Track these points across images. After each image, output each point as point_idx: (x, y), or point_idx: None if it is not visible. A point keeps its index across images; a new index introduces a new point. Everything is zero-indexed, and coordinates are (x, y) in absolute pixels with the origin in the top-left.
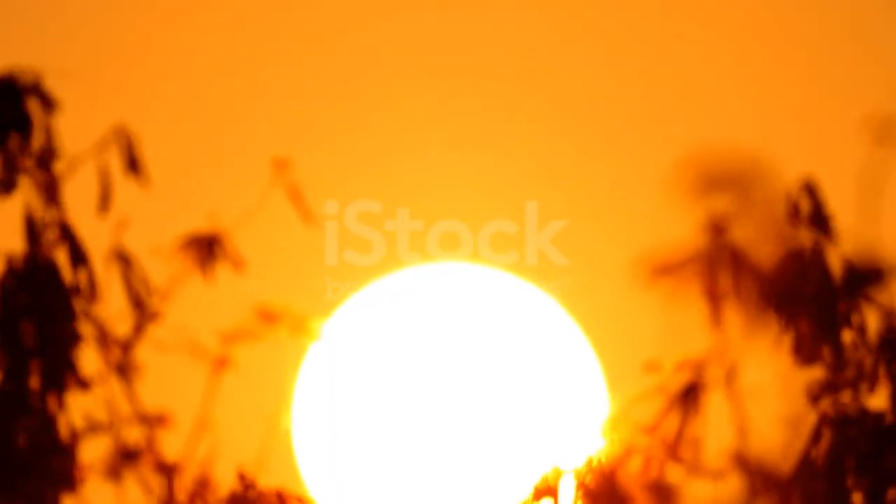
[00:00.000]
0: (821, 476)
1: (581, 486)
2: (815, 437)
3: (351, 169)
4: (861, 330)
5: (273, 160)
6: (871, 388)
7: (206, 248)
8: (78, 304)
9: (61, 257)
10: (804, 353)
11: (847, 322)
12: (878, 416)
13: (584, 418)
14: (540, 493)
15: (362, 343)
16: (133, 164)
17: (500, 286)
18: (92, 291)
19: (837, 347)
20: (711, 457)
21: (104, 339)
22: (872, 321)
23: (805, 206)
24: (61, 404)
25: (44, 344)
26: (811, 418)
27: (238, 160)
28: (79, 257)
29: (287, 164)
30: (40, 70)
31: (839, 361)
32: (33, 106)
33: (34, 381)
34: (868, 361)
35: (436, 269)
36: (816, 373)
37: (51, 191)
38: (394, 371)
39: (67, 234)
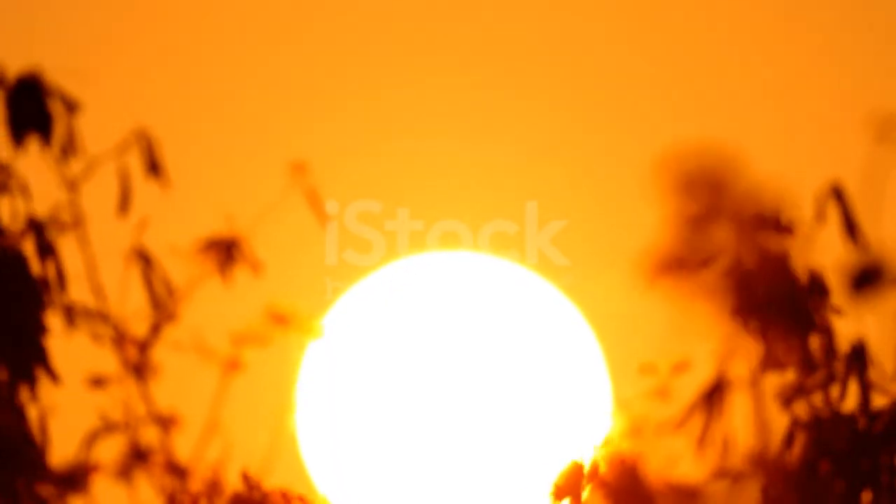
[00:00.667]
0: (795, 478)
1: (600, 482)
2: (788, 440)
3: (351, 169)
4: (829, 334)
5: (292, 164)
6: (842, 393)
7: (225, 252)
8: (46, 296)
9: (29, 249)
10: (775, 357)
11: (815, 326)
12: (852, 419)
13: (587, 413)
14: (561, 491)
15: (364, 335)
16: (154, 167)
17: (502, 275)
18: (61, 282)
19: (807, 351)
20: (732, 457)
21: (120, 338)
22: (841, 326)
23: (832, 211)
24: (33, 397)
25: (12, 336)
26: (784, 422)
27: (242, 162)
28: (46, 249)
29: (304, 167)
30: (61, 71)
31: (809, 365)
32: (54, 106)
33: (2, 373)
34: (838, 366)
35: (436, 258)
36: (788, 376)
37: (9, 183)
38: (397, 364)
39: (34, 226)
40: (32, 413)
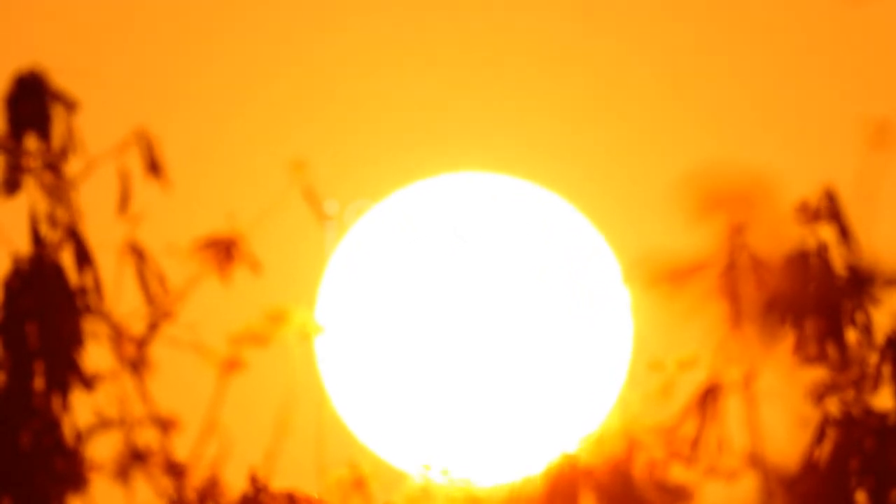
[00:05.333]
0: (824, 475)
1: (592, 480)
2: (819, 437)
3: (351, 169)
4: (866, 329)
5: (291, 163)
6: (875, 388)
7: (224, 251)
8: (83, 305)
9: (66, 258)
10: (807, 353)
11: (852, 322)
12: (882, 416)
13: (593, 397)
14: (556, 492)
15: (380, 262)
16: (153, 166)
17: (519, 196)
18: (97, 292)
19: (842, 347)
20: (727, 457)
21: (118, 335)
22: (878, 321)
23: (823, 210)
24: (65, 405)
25: (48, 345)
26: (816, 418)
27: (241, 162)
28: (84, 258)
29: (303, 166)
30: (60, 70)
31: (843, 361)
32: (53, 105)
33: (38, 382)
34: (872, 361)
35: (457, 180)
36: (821, 373)
37: (60, 192)
38: (415, 287)
39: (73, 236)
40: (67, 422)
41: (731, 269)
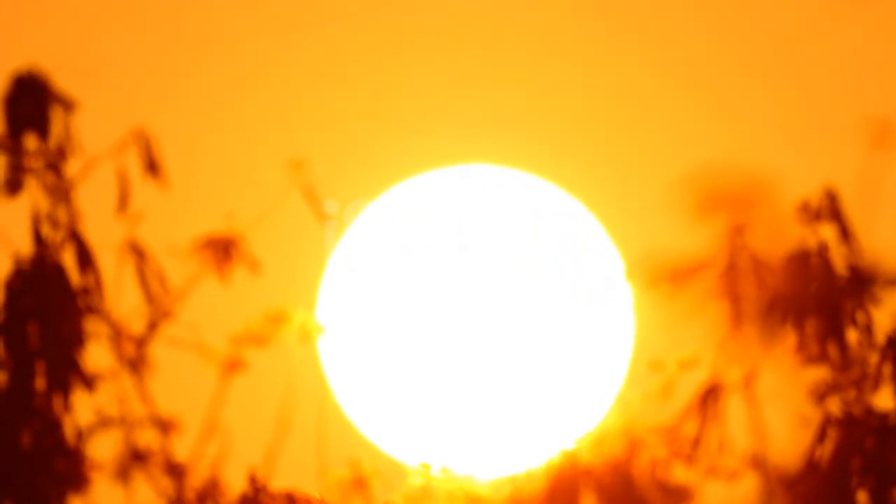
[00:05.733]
0: (826, 475)
1: (592, 479)
2: (820, 437)
3: (350, 169)
4: (867, 329)
5: (290, 162)
6: (876, 388)
7: (223, 250)
8: (84, 305)
9: (68, 259)
10: (808, 353)
11: (853, 322)
12: (883, 416)
13: (606, 349)
14: (557, 490)
15: (382, 257)
16: (152, 166)
17: (521, 189)
18: (99, 293)
19: (843, 347)
20: (727, 457)
21: (117, 335)
22: (879, 320)
23: (824, 211)
24: (66, 405)
25: (49, 345)
26: (817, 418)
27: (240, 161)
28: (86, 259)
29: (302, 164)
30: (59, 70)
31: (844, 361)
32: (52, 105)
33: (39, 382)
34: (873, 361)
35: (456, 173)
36: (821, 373)
37: (61, 192)
38: (418, 279)
39: (75, 236)
40: (68, 423)
41: (731, 268)
